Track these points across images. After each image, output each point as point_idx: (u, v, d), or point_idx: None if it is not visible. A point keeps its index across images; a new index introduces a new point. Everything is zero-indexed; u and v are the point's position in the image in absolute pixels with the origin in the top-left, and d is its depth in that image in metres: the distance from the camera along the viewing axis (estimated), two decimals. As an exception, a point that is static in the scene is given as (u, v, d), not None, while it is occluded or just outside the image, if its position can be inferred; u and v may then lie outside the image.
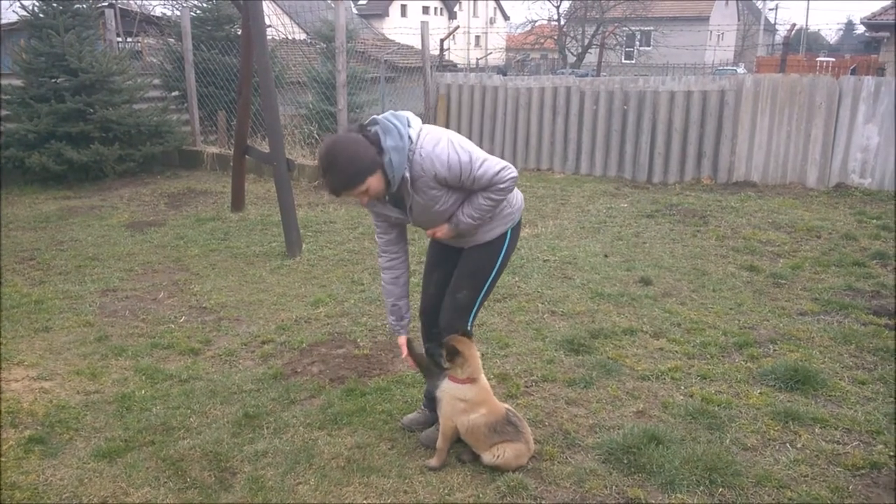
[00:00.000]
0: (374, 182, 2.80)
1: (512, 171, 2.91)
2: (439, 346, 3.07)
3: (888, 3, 21.38)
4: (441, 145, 2.83)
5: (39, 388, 3.89)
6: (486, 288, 3.17)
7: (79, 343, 4.51)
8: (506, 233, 3.12)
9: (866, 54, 30.76)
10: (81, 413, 3.62)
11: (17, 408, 3.66)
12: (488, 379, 3.24)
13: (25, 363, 4.20)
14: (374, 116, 2.90)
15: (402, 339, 3.26)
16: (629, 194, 9.05)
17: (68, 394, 3.84)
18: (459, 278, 3.16)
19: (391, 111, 2.93)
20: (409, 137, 2.82)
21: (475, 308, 3.20)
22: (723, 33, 43.04)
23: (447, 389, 3.09)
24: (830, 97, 8.85)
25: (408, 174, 2.82)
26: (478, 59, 35.75)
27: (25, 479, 3.08)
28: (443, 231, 3.06)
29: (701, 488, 2.98)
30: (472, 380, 3.07)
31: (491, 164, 2.87)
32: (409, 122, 2.87)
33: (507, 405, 3.21)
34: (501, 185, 2.89)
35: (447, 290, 3.20)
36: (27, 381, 3.99)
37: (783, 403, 3.66)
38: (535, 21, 39.80)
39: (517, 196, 3.17)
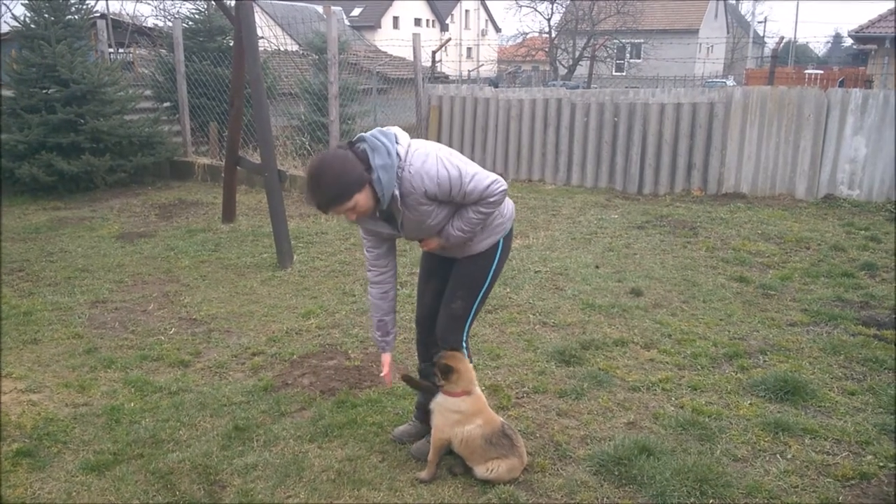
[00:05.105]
0: (362, 199, 2.79)
1: (502, 185, 2.92)
2: (432, 366, 3.08)
3: (875, 16, 21.66)
4: (430, 161, 2.82)
5: (28, 401, 3.86)
6: (480, 297, 3.18)
7: (68, 355, 4.48)
8: (497, 242, 3.14)
9: (854, 67, 31.07)
10: (70, 426, 3.60)
11: (5, 420, 3.63)
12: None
13: (14, 375, 4.17)
14: (362, 134, 2.87)
15: (387, 357, 3.28)
16: (620, 205, 9.09)
17: (57, 406, 3.81)
18: (454, 288, 3.17)
19: (378, 129, 2.91)
20: (398, 154, 2.81)
21: (469, 318, 3.21)
22: (712, 46, 43.41)
23: (441, 402, 3.10)
24: (819, 109, 8.93)
25: (397, 192, 2.81)
26: (469, 71, 35.92)
27: (13, 492, 3.06)
28: (434, 244, 3.08)
29: (692, 500, 2.98)
30: (466, 392, 3.07)
31: (481, 177, 2.87)
32: (396, 138, 2.87)
33: (501, 418, 3.21)
34: (491, 199, 2.90)
35: (442, 300, 3.21)
36: (15, 393, 3.96)
37: (773, 414, 3.68)
38: (527, 33, 40.09)
39: (508, 205, 3.17)
